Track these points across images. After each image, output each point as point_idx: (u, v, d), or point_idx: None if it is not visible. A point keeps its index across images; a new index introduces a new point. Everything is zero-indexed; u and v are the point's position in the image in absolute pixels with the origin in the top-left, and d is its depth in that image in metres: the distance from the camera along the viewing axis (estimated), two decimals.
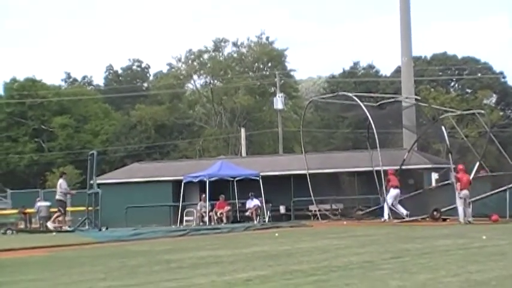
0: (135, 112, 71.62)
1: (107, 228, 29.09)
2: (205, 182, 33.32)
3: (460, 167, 27.04)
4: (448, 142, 31.50)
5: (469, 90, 71.51)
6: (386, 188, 28.81)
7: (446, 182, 29.65)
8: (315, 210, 33.56)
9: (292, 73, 77.76)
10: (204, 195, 33.78)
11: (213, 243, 18.37)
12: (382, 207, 29.17)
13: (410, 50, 41.42)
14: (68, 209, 34.85)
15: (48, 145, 69.09)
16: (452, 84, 74.48)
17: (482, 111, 38.55)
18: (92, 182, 31.60)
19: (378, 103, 35.31)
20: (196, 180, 34.25)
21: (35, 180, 63.85)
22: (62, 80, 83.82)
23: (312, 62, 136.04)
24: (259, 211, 34.00)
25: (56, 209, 30.37)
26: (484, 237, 16.08)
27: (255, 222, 32.70)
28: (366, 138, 34.26)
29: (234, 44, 76.05)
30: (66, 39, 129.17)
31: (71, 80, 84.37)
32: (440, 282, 8.62)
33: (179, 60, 76.78)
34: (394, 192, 28.41)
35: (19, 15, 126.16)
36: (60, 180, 30.35)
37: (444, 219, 27.14)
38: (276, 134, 63.86)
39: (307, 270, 10.40)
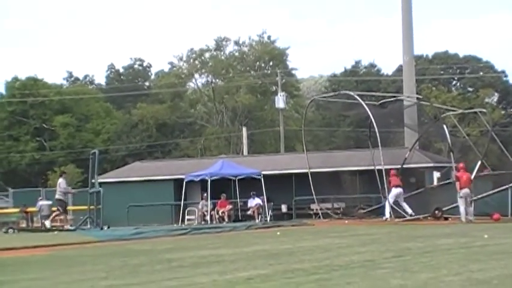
0: (136, 111, 71.65)
1: (108, 227, 29.11)
2: (206, 181, 33.33)
3: (460, 165, 27.04)
4: (449, 141, 31.56)
5: (470, 89, 71.50)
6: (388, 188, 28.83)
7: (448, 181, 29.64)
8: (317, 209, 33.56)
9: (293, 72, 77.88)
10: (205, 194, 33.80)
11: (215, 242, 18.38)
12: (384, 206, 29.18)
13: (412, 49, 41.35)
14: (69, 208, 34.92)
15: (49, 144, 69.13)
16: (454, 83, 74.48)
17: (484, 110, 38.54)
18: (93, 181, 31.63)
19: (380, 102, 35.28)
20: (198, 179, 34.26)
21: (37, 179, 63.89)
22: (64, 78, 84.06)
23: (314, 61, 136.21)
24: (260, 210, 34.00)
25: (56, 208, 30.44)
26: (486, 236, 16.06)
27: (257, 221, 32.71)
28: (367, 137, 34.27)
29: (236, 43, 76.11)
30: (68, 38, 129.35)
31: (72, 79, 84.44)
32: (442, 281, 8.61)
33: (181, 59, 76.86)
34: (395, 191, 28.42)
35: (21, 14, 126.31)
36: (60, 180, 30.35)
37: (446, 218, 27.13)
38: (277, 133, 63.82)
39: (309, 269, 10.39)
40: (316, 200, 33.51)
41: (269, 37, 75.90)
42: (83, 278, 10.61)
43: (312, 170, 33.84)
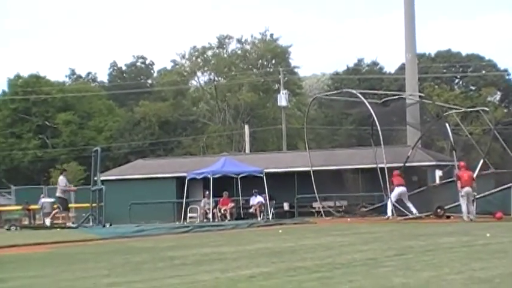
0: (139, 109, 71.67)
1: (110, 225, 29.11)
2: (209, 179, 33.32)
3: (461, 164, 27.01)
4: (452, 139, 31.49)
5: (473, 88, 71.46)
6: (390, 186, 28.83)
7: (450, 180, 29.61)
8: (319, 207, 33.55)
9: (296, 70, 77.83)
10: (207, 192, 33.80)
11: (217, 240, 18.38)
12: (386, 205, 29.17)
13: (414, 47, 41.32)
14: (71, 205, 34.91)
15: (52, 141, 69.19)
16: (457, 81, 74.45)
17: (487, 109, 38.52)
18: (95, 178, 31.61)
19: (382, 100, 35.26)
20: (200, 177, 34.26)
21: (39, 177, 63.98)
22: (66, 76, 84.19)
23: (316, 59, 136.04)
24: (262, 208, 33.99)
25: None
26: (488, 234, 16.05)
27: (259, 219, 32.72)
28: (369, 135, 34.23)
29: (238, 41, 76.13)
30: (71, 35, 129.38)
31: (75, 76, 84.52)
32: (444, 280, 8.61)
33: (183, 56, 76.90)
34: (398, 190, 28.44)
35: (23, 11, 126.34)
36: (60, 177, 30.32)
37: (448, 217, 27.10)
38: (279, 130, 63.81)
39: (311, 267, 10.39)
40: (318, 198, 33.51)
41: (271, 35, 76.04)
42: (85, 276, 10.61)
43: (314, 168, 33.82)
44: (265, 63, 75.96)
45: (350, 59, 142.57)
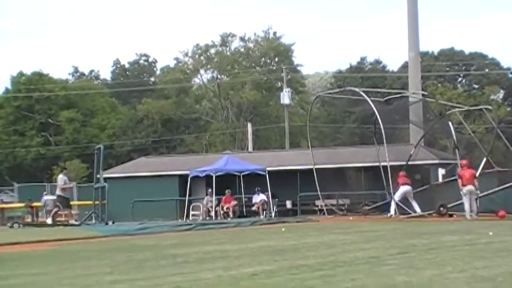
0: (141, 106, 71.71)
1: (113, 222, 29.11)
2: (211, 177, 33.33)
3: (463, 162, 26.98)
4: (455, 138, 31.44)
5: (476, 86, 71.38)
6: (394, 186, 28.82)
7: (453, 178, 29.57)
8: (321, 205, 33.56)
9: (299, 68, 77.80)
10: (210, 190, 33.80)
11: (219, 238, 18.37)
12: (389, 203, 29.16)
13: (417, 45, 41.25)
14: (74, 202, 34.95)
15: (55, 139, 69.27)
16: (460, 79, 74.35)
17: (490, 107, 38.41)
18: (98, 176, 31.63)
19: (385, 98, 35.23)
20: (203, 174, 34.27)
21: (42, 174, 64.03)
22: (69, 74, 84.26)
23: (319, 57, 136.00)
24: (265, 206, 33.99)
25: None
26: (491, 233, 16.04)
27: (261, 217, 32.71)
28: (372, 133, 34.18)
29: (241, 39, 76.18)
30: (74, 33, 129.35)
31: (78, 74, 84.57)
32: (447, 278, 8.60)
33: (186, 54, 76.98)
34: (403, 188, 28.45)
35: (27, 9, 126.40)
36: (60, 176, 30.25)
37: (451, 215, 27.10)
38: (282, 129, 63.82)
39: (314, 265, 10.39)
40: (321, 196, 33.51)
41: (275, 33, 76.06)
42: (88, 273, 10.61)
43: (317, 166, 33.80)
44: (268, 61, 75.96)
45: (353, 57, 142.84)
